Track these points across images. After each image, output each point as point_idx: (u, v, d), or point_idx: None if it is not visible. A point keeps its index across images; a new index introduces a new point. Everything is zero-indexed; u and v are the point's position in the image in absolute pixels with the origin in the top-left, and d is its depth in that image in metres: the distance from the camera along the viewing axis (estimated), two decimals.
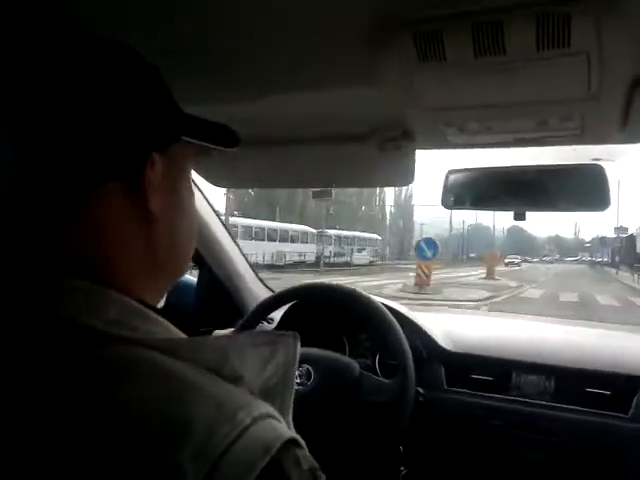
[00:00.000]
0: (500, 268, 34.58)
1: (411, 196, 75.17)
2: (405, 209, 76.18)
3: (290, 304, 1.42)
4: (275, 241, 26.44)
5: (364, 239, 39.16)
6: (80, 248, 0.42)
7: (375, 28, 0.55)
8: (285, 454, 0.35)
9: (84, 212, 0.42)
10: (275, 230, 27.87)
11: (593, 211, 0.99)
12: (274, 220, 34.67)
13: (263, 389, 0.43)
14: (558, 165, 1.00)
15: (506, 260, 49.68)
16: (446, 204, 1.05)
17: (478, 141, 0.85)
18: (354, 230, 40.91)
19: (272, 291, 1.69)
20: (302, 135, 0.93)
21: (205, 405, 0.35)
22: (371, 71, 0.63)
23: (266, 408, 0.38)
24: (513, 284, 20.84)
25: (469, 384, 1.26)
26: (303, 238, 30.82)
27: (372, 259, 37.14)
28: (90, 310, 0.39)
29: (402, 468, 1.23)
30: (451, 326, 1.47)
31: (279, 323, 1.45)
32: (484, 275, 24.49)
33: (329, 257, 32.04)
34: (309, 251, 30.37)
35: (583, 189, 0.97)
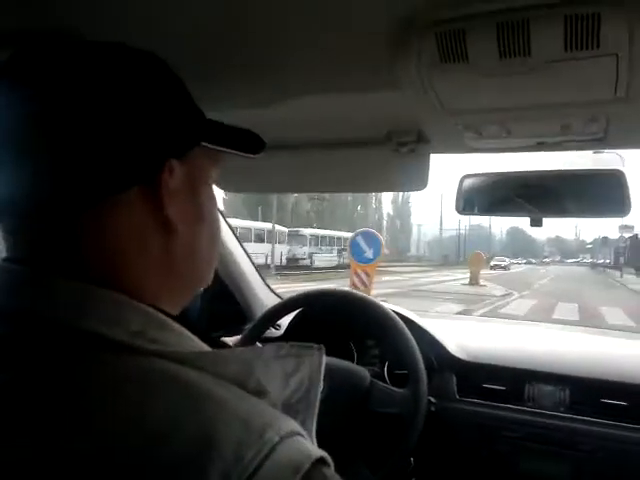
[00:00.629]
0: (488, 271, 31.74)
1: (409, 197, 75.22)
2: (402, 210, 76.01)
3: (298, 310, 1.40)
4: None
5: (347, 239, 35.51)
6: (96, 256, 0.41)
7: (396, 28, 0.53)
8: (314, 474, 0.35)
9: (100, 219, 0.41)
10: (234, 229, 24.63)
11: (612, 217, 0.97)
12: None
13: (287, 402, 0.43)
14: (576, 170, 0.98)
15: (492, 262, 43.79)
16: (460, 209, 1.03)
17: (496, 145, 0.82)
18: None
19: (279, 297, 1.67)
20: (314, 139, 0.90)
21: (231, 423, 0.34)
22: (389, 72, 0.60)
23: (292, 424, 0.37)
24: (498, 292, 17.15)
25: (481, 394, 1.24)
26: (270, 238, 25.86)
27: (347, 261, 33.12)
28: (113, 320, 0.38)
29: (413, 479, 1.20)
30: (462, 333, 1.44)
31: (287, 329, 1.43)
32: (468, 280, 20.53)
33: (305, 259, 28.45)
34: (265, 252, 24.32)
35: (602, 194, 0.95)
